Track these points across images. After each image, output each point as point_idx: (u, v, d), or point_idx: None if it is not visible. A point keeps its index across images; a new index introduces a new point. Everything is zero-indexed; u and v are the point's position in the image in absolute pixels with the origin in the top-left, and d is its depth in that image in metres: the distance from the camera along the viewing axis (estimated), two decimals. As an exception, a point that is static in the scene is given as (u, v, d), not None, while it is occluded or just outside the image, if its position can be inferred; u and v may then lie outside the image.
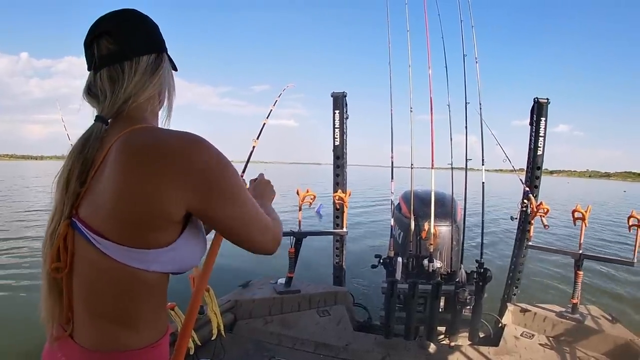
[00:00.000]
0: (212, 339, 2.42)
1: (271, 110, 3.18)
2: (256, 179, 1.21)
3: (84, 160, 0.76)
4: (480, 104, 3.66)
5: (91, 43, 0.82)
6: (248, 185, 1.19)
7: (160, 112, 0.92)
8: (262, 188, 1.16)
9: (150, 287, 0.77)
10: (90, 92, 0.82)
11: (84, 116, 0.82)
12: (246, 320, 3.28)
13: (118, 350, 0.75)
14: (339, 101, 4.09)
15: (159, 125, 0.90)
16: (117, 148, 0.73)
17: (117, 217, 0.71)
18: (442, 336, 3.12)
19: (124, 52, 0.81)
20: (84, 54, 0.84)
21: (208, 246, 0.91)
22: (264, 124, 3.04)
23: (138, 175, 0.70)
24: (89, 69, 0.83)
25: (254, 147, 3.02)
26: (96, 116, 0.81)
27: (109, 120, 0.81)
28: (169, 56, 0.92)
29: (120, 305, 0.75)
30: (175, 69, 0.94)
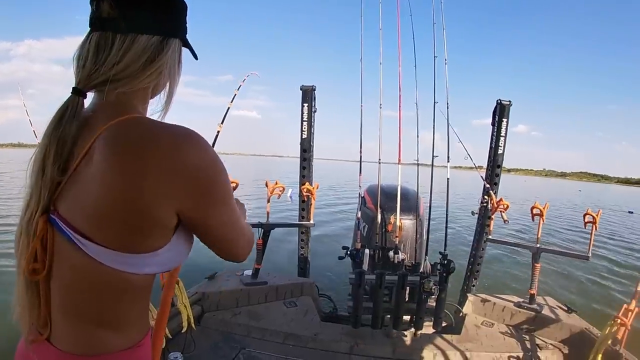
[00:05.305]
0: (182, 331, 2.39)
1: (235, 94, 3.19)
2: None
3: (59, 140, 0.65)
4: (447, 104, 3.75)
5: (93, 1, 0.71)
6: None
7: (154, 101, 0.81)
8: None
9: (138, 289, 0.72)
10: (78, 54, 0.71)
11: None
12: (214, 313, 3.25)
13: (105, 353, 0.70)
14: (308, 94, 4.09)
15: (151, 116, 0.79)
16: (103, 141, 0.64)
17: (103, 218, 0.63)
18: (408, 325, 3.19)
19: (120, 23, 0.69)
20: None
21: None
22: (228, 108, 3.04)
23: (124, 174, 0.62)
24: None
25: (218, 131, 3.01)
26: (72, 88, 0.70)
27: (87, 94, 0.71)
28: (187, 43, 0.81)
29: (106, 309, 0.70)
30: (196, 57, 0.85)
